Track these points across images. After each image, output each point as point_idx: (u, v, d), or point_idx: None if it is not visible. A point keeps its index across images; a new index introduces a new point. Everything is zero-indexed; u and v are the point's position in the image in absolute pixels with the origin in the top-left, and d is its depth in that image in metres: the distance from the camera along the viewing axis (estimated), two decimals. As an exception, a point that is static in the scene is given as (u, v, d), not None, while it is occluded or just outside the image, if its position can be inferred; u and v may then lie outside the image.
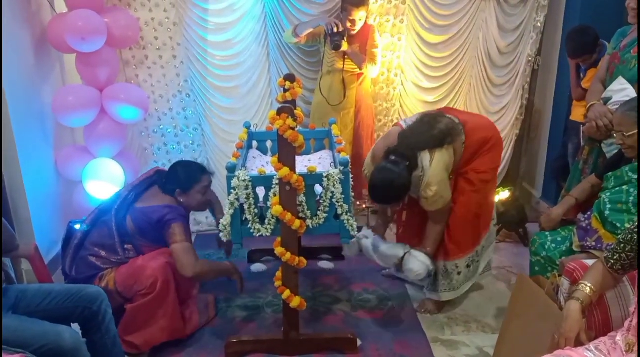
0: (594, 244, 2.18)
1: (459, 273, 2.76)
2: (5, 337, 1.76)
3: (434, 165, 2.46)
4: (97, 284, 2.39)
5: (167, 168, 2.72)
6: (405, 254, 2.63)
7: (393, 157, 2.42)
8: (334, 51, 3.35)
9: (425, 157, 2.47)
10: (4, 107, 2.66)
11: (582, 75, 3.21)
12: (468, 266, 2.78)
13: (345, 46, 3.29)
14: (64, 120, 3.08)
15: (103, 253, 2.48)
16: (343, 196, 2.29)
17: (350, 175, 2.38)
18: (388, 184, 2.38)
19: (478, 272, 2.87)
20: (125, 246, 2.49)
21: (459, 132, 2.57)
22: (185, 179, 2.56)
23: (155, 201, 2.54)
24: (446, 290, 2.79)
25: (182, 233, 2.44)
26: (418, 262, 2.58)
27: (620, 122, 2.15)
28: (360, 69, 3.41)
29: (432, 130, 2.51)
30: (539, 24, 3.60)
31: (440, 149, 2.49)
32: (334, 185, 2.27)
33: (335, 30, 3.24)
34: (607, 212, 2.15)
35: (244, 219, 2.33)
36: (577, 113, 3.22)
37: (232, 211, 2.30)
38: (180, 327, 2.55)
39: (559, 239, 2.38)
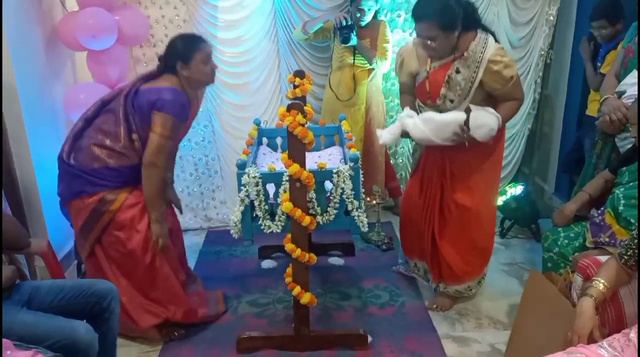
0: (607, 240, 2.15)
1: (471, 289, 2.80)
2: (20, 332, 1.78)
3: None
4: (100, 201, 2.33)
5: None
6: (468, 113, 2.36)
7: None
8: (343, 46, 3.34)
9: (489, 35, 2.40)
10: (15, 105, 2.69)
11: (599, 64, 3.15)
12: (479, 282, 2.82)
13: (354, 40, 3.28)
14: (76, 117, 3.09)
15: (107, 142, 2.34)
16: (353, 192, 2.28)
17: (361, 172, 2.37)
18: None
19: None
20: (132, 136, 2.36)
21: None
22: (183, 50, 2.40)
23: (160, 82, 2.41)
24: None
25: (164, 125, 2.30)
26: (488, 114, 2.37)
27: (633, 115, 2.11)
28: (371, 64, 3.39)
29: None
30: (551, 18, 3.56)
31: None
32: (344, 181, 2.27)
33: (344, 24, 3.23)
34: (620, 208, 2.12)
35: (254, 215, 2.34)
36: (593, 108, 3.17)
37: (242, 208, 2.30)
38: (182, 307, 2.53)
39: (572, 235, 2.36)
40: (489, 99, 2.47)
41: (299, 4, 3.47)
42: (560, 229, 2.42)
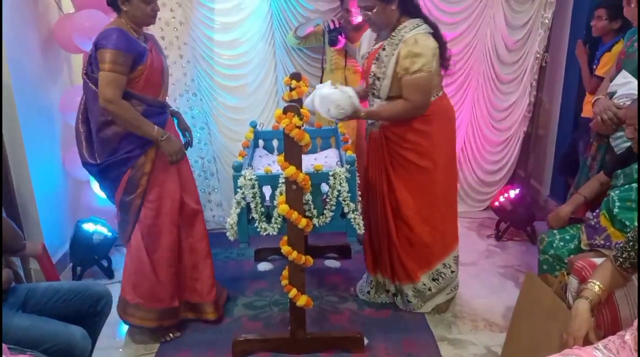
0: (602, 242, 2.16)
1: (429, 289, 2.75)
2: (16, 336, 1.77)
3: (430, 37, 2.39)
4: (132, 169, 2.40)
5: None
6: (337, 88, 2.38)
7: None
8: (334, 49, 3.35)
9: (426, 26, 2.41)
10: (11, 107, 2.68)
11: (595, 66, 3.16)
12: (435, 280, 2.74)
13: (341, 42, 3.30)
14: (72, 119, 3.09)
15: (102, 118, 2.33)
16: (349, 195, 2.29)
17: (357, 174, 2.38)
18: None
19: (453, 283, 2.81)
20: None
21: (441, 81, 2.54)
22: None
23: (104, 28, 2.35)
24: (422, 304, 2.79)
25: (108, 61, 2.23)
26: (338, 92, 2.34)
27: (632, 116, 2.12)
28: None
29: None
30: (546, 21, 3.57)
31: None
32: (340, 183, 2.27)
33: (332, 26, 3.25)
34: (616, 210, 2.13)
35: (250, 218, 2.33)
36: (588, 109, 3.19)
37: (238, 210, 2.30)
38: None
39: (567, 237, 2.37)
40: None
41: (296, 6, 3.48)
42: (555, 231, 2.42)
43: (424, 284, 2.72)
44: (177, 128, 2.68)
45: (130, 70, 2.30)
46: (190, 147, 2.72)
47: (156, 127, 2.39)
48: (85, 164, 2.48)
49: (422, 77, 2.38)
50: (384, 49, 2.46)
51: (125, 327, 2.69)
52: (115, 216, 2.65)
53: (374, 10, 2.39)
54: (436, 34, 2.45)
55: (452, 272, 2.76)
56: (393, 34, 2.44)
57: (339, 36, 3.28)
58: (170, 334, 2.61)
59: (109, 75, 2.25)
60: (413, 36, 2.37)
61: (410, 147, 2.55)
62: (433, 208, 2.64)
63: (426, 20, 2.47)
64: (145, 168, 2.43)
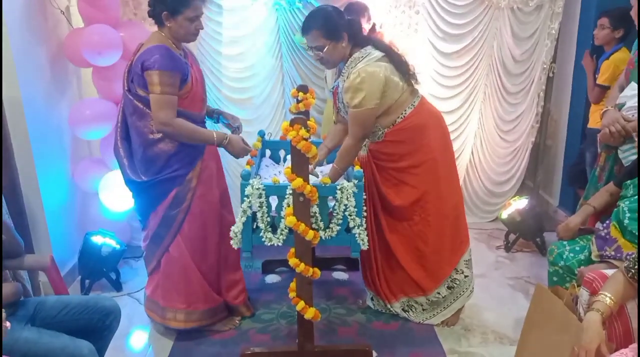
0: (613, 253, 2.14)
1: (444, 297, 2.71)
2: (24, 349, 1.77)
3: (379, 63, 2.40)
4: (179, 186, 2.45)
5: None
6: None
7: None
8: None
9: (376, 51, 2.43)
10: (21, 121, 2.71)
11: (596, 75, 3.16)
12: (450, 287, 2.71)
13: None
14: (81, 133, 3.13)
15: (150, 136, 2.37)
16: (356, 210, 2.28)
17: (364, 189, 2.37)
18: (320, 10, 2.46)
19: (469, 288, 2.76)
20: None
21: (414, 92, 2.54)
22: (172, 0, 2.31)
23: (145, 46, 2.36)
24: (435, 314, 2.76)
25: (157, 82, 2.27)
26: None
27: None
28: None
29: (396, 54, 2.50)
30: (553, 32, 3.58)
31: (392, 66, 2.43)
32: (347, 198, 2.27)
33: None
34: (626, 221, 2.11)
35: (255, 227, 2.33)
36: (595, 119, 3.18)
37: (244, 218, 2.30)
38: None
39: (577, 248, 2.34)
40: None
41: (302, 19, 3.49)
42: (565, 242, 2.40)
43: (439, 293, 2.70)
44: (223, 123, 2.77)
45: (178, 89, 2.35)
46: (240, 132, 2.72)
47: (214, 133, 2.45)
48: (128, 182, 2.52)
49: (361, 112, 2.41)
50: (338, 85, 2.52)
51: (133, 342, 2.70)
52: (142, 236, 2.68)
53: (325, 50, 2.40)
54: (389, 55, 2.46)
55: (466, 276, 2.72)
56: (344, 70, 2.48)
57: None
58: (236, 320, 2.79)
59: (161, 98, 2.29)
60: (357, 70, 2.38)
61: (400, 158, 2.55)
62: (439, 213, 2.61)
63: (376, 45, 2.49)
64: (192, 183, 2.48)
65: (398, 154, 2.55)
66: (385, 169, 2.60)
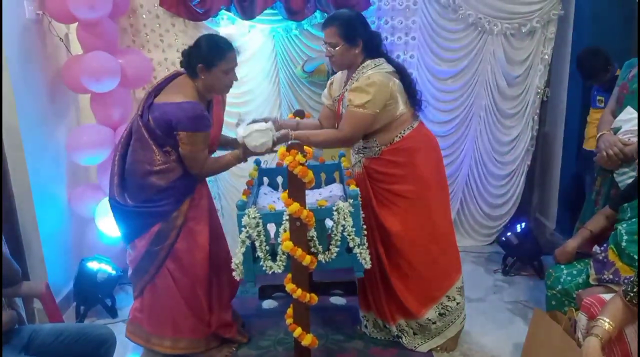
0: (611, 277, 2.13)
1: (434, 323, 2.68)
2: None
3: (389, 76, 2.44)
4: (164, 222, 2.42)
5: None
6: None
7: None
8: None
9: (388, 65, 2.48)
10: (18, 146, 2.72)
11: (592, 105, 3.20)
12: (442, 314, 2.68)
13: None
14: (78, 159, 3.13)
15: (148, 167, 2.38)
16: (354, 229, 2.28)
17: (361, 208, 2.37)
18: (346, 12, 2.52)
19: (461, 316, 2.74)
20: (164, 149, 2.38)
21: (415, 115, 2.57)
22: (208, 53, 2.34)
23: (173, 94, 2.37)
24: (427, 340, 2.72)
25: (191, 142, 2.34)
26: (257, 134, 2.41)
27: (634, 152, 2.13)
28: None
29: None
30: (546, 56, 3.63)
31: (401, 85, 2.47)
32: (344, 218, 2.27)
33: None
34: (623, 244, 2.11)
35: (256, 256, 2.32)
36: (592, 142, 3.22)
37: (243, 249, 2.29)
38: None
39: (575, 272, 2.34)
40: (375, 122, 2.48)
41: (300, 45, 3.55)
42: (562, 266, 2.40)
43: (429, 319, 2.66)
44: None
45: None
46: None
47: (229, 154, 2.54)
48: (112, 201, 2.49)
49: (361, 113, 2.42)
50: (347, 91, 2.53)
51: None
52: (126, 255, 2.64)
53: (337, 48, 2.45)
54: (400, 73, 2.50)
55: (458, 303, 2.70)
56: (354, 76, 2.51)
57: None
58: (233, 347, 2.74)
59: (201, 156, 2.41)
60: (369, 74, 2.43)
61: (394, 180, 2.56)
62: (430, 238, 2.60)
63: (390, 61, 2.53)
64: (178, 221, 2.45)
65: (392, 175, 2.55)
66: (380, 190, 2.60)
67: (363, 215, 2.39)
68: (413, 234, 2.57)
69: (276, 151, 2.42)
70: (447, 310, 2.67)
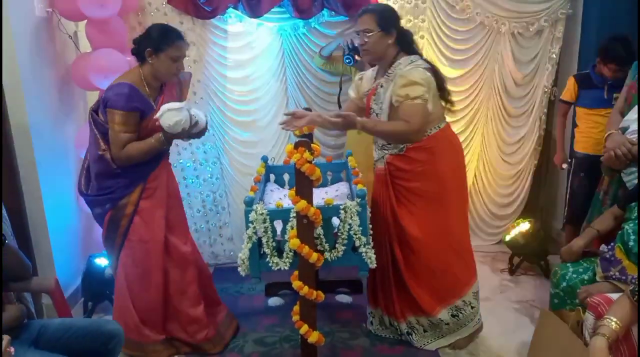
0: (617, 274, 2.13)
1: (446, 324, 2.68)
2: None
3: (427, 72, 2.44)
4: (114, 209, 2.44)
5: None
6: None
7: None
8: (354, 69, 3.44)
9: (424, 63, 2.49)
10: (27, 143, 2.74)
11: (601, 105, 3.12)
12: (454, 316, 2.68)
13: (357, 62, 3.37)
14: (86, 155, 3.15)
15: (95, 152, 2.43)
16: (361, 228, 2.28)
17: (368, 208, 2.38)
18: (383, 3, 2.62)
19: (474, 319, 2.74)
20: (107, 136, 2.41)
21: (443, 116, 2.59)
22: (157, 37, 2.39)
23: (118, 79, 2.43)
24: (437, 338, 2.73)
25: (115, 120, 2.34)
26: (169, 113, 2.34)
27: None
28: None
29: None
30: (554, 56, 3.62)
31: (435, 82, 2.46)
32: (351, 217, 2.27)
33: (351, 46, 3.35)
34: (630, 243, 2.11)
35: (262, 252, 2.33)
36: (582, 144, 3.22)
37: (250, 245, 2.30)
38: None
39: (581, 270, 2.35)
40: None
41: (308, 43, 3.56)
42: (569, 264, 2.40)
43: (441, 319, 2.66)
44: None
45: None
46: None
47: (151, 138, 2.41)
48: (79, 192, 2.56)
49: (421, 105, 2.42)
50: (381, 86, 2.54)
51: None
52: None
53: (371, 34, 2.45)
54: (434, 72, 2.50)
55: (472, 307, 2.70)
56: (389, 71, 2.51)
57: (356, 55, 3.34)
58: (183, 353, 2.67)
59: (119, 136, 2.38)
60: (409, 69, 2.44)
61: (414, 178, 2.56)
62: (446, 242, 2.61)
63: (422, 58, 2.54)
64: (127, 210, 2.46)
65: (412, 172, 2.55)
66: (399, 188, 2.60)
67: (368, 212, 2.38)
68: (429, 238, 2.58)
69: (196, 133, 2.46)
70: (461, 313, 2.68)
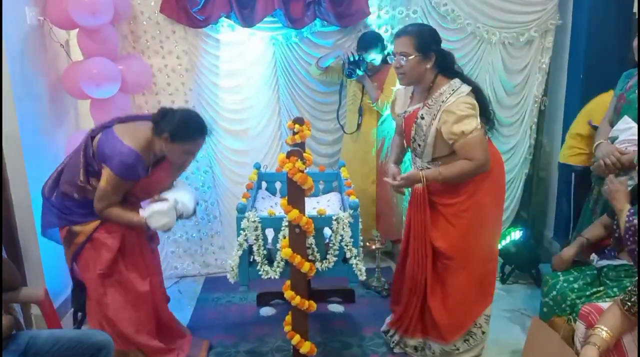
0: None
1: (458, 349, 2.65)
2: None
3: (470, 98, 2.33)
4: (68, 232, 2.40)
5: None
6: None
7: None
8: (355, 82, 3.45)
9: (465, 85, 2.37)
10: (17, 152, 2.72)
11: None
12: (466, 341, 2.65)
13: (359, 74, 3.36)
14: (77, 164, 3.13)
15: (70, 176, 2.36)
16: (352, 240, 2.28)
17: (360, 220, 2.37)
18: (422, 24, 2.53)
19: (481, 344, 2.71)
20: (89, 170, 2.34)
21: (485, 133, 2.47)
22: (179, 127, 2.30)
23: (127, 134, 2.31)
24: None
25: (108, 180, 2.29)
26: (158, 216, 2.36)
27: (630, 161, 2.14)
28: (373, 103, 3.46)
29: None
30: (544, 66, 3.65)
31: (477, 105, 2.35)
32: (343, 228, 2.27)
33: (351, 59, 3.32)
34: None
35: (252, 260, 2.33)
36: (570, 156, 3.18)
37: (240, 252, 2.30)
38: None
39: (572, 278, 2.36)
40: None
41: (300, 53, 3.57)
42: (559, 273, 2.42)
43: (455, 346, 2.64)
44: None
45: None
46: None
47: (135, 216, 2.39)
48: (42, 193, 2.48)
49: (479, 136, 2.32)
50: (422, 118, 2.42)
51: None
52: None
53: (410, 58, 2.33)
54: (477, 92, 2.40)
55: (483, 332, 2.66)
56: (430, 101, 2.40)
57: (357, 69, 3.34)
58: None
59: (106, 195, 2.33)
60: (455, 103, 2.31)
61: (453, 197, 2.47)
62: (477, 262, 2.54)
63: (463, 78, 2.42)
64: (78, 238, 2.41)
65: (452, 189, 2.46)
66: (437, 206, 2.52)
67: (360, 224, 2.37)
68: (462, 255, 2.50)
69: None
70: (472, 337, 2.64)
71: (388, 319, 2.90)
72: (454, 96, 2.33)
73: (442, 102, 2.34)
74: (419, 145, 2.47)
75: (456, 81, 2.38)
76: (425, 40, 2.35)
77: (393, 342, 2.79)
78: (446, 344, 2.62)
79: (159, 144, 2.34)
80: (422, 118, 2.42)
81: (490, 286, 2.65)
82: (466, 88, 2.37)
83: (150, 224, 2.35)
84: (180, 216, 2.43)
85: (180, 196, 2.45)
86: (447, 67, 2.41)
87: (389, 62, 3.46)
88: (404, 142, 2.65)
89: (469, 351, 2.67)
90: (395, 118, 2.74)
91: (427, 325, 2.65)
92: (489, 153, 2.38)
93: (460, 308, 2.57)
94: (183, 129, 2.31)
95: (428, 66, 2.36)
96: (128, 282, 2.48)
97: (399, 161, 2.75)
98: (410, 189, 2.64)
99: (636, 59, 2.48)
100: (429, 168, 2.48)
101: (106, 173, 2.30)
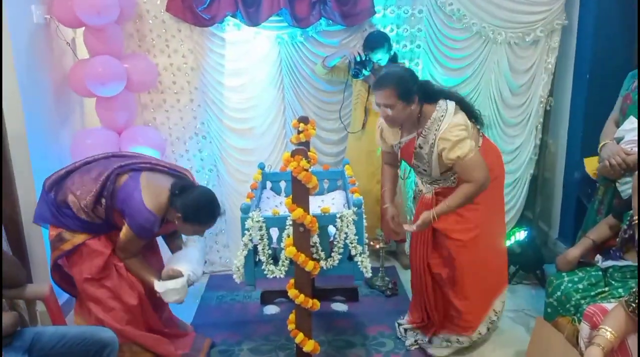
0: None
1: (483, 337, 2.73)
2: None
3: (458, 116, 2.38)
4: (57, 235, 2.40)
5: (195, 179, 2.62)
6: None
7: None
8: (361, 82, 3.45)
9: (450, 103, 2.40)
10: (24, 150, 2.74)
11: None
12: (489, 329, 2.73)
13: (366, 73, 3.36)
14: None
15: (78, 192, 2.35)
16: (357, 237, 2.29)
17: (364, 217, 2.38)
18: (397, 71, 2.44)
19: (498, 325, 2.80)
20: (100, 201, 2.35)
21: (479, 132, 2.54)
22: (192, 211, 2.35)
23: (151, 194, 2.34)
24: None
25: (127, 237, 2.36)
26: (171, 292, 2.40)
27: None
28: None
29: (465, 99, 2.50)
30: (549, 66, 3.64)
31: (465, 114, 2.41)
32: (348, 226, 2.28)
33: (357, 59, 3.32)
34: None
35: (257, 260, 2.33)
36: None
37: (245, 252, 2.30)
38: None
39: (576, 278, 2.35)
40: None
41: (305, 52, 3.57)
42: (564, 274, 2.41)
43: (480, 332, 2.69)
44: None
45: None
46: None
47: (152, 277, 2.44)
48: (43, 185, 2.48)
49: (474, 157, 2.38)
50: (420, 148, 2.47)
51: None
52: None
53: (394, 109, 2.38)
54: (461, 103, 2.45)
55: (498, 318, 2.77)
56: (424, 131, 2.44)
57: (363, 69, 3.34)
58: None
59: (125, 245, 2.40)
60: (447, 129, 2.36)
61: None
62: (488, 248, 2.61)
63: (447, 96, 2.46)
64: (64, 245, 2.41)
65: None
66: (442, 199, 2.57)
67: (364, 221, 2.38)
68: (475, 243, 2.55)
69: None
70: (491, 324, 2.74)
71: (406, 318, 2.93)
72: (445, 121, 2.38)
73: (436, 130, 2.39)
74: (424, 170, 2.53)
75: (441, 104, 2.42)
76: (405, 87, 2.37)
77: (415, 340, 2.83)
78: (473, 334, 2.67)
79: (172, 214, 2.38)
80: (421, 148, 2.47)
81: (504, 269, 2.76)
82: (452, 106, 2.41)
83: (163, 298, 2.42)
84: (191, 285, 2.48)
85: (193, 266, 2.49)
86: (428, 95, 2.45)
87: (397, 61, 3.47)
88: (397, 172, 2.76)
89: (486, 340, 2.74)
90: (383, 148, 2.77)
91: (451, 319, 2.69)
92: (487, 170, 2.43)
93: (479, 292, 2.63)
94: (196, 213, 2.36)
95: (413, 107, 2.40)
96: (120, 288, 2.48)
97: (394, 196, 2.79)
98: (414, 187, 2.68)
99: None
100: (438, 181, 2.56)
101: (126, 229, 2.37)
